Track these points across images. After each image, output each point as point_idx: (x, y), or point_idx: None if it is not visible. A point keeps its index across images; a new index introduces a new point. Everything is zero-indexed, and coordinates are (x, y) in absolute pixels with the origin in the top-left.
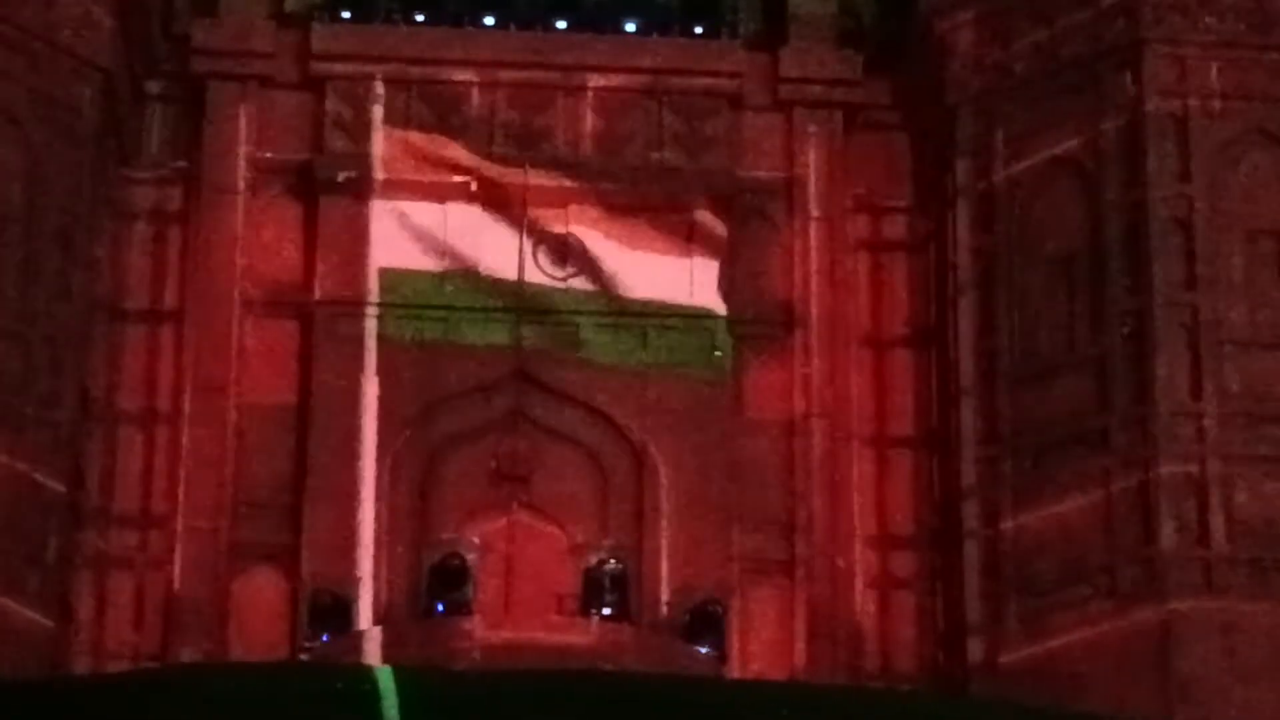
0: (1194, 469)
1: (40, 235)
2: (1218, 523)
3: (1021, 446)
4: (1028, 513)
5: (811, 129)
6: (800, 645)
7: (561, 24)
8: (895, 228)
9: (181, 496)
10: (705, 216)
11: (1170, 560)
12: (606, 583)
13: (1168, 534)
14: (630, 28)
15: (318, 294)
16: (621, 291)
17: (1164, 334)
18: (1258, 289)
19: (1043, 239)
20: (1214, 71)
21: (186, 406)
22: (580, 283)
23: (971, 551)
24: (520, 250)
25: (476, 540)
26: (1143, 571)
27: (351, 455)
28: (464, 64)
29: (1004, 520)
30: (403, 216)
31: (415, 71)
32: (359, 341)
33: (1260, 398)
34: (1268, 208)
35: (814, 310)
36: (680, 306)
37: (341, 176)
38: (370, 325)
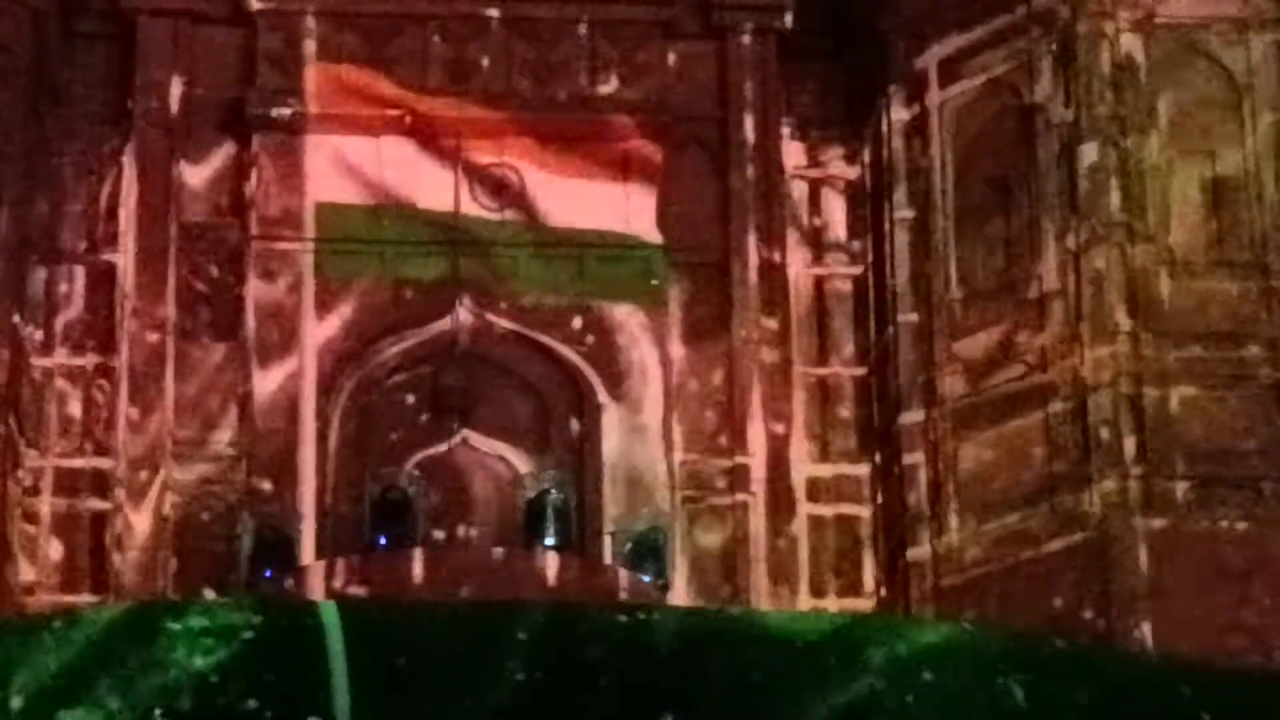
0: (1130, 389)
1: None
2: (1155, 442)
3: (960, 369)
4: (968, 436)
5: (745, 57)
6: (743, 571)
7: None
8: (830, 154)
9: (122, 436)
10: (640, 146)
11: (1108, 480)
12: (549, 513)
13: (1105, 454)
14: None
15: (254, 230)
16: (557, 222)
17: (1098, 255)
18: (1189, 209)
19: (978, 162)
20: None
21: (125, 347)
22: (515, 214)
23: (912, 475)
24: (455, 183)
25: (418, 473)
26: (1082, 491)
27: (292, 390)
28: None
29: (945, 443)
30: (337, 151)
31: (346, 4)
32: (297, 277)
33: (1193, 317)
34: (1197, 128)
35: (750, 237)
36: (616, 236)
37: (275, 112)
38: (307, 260)
